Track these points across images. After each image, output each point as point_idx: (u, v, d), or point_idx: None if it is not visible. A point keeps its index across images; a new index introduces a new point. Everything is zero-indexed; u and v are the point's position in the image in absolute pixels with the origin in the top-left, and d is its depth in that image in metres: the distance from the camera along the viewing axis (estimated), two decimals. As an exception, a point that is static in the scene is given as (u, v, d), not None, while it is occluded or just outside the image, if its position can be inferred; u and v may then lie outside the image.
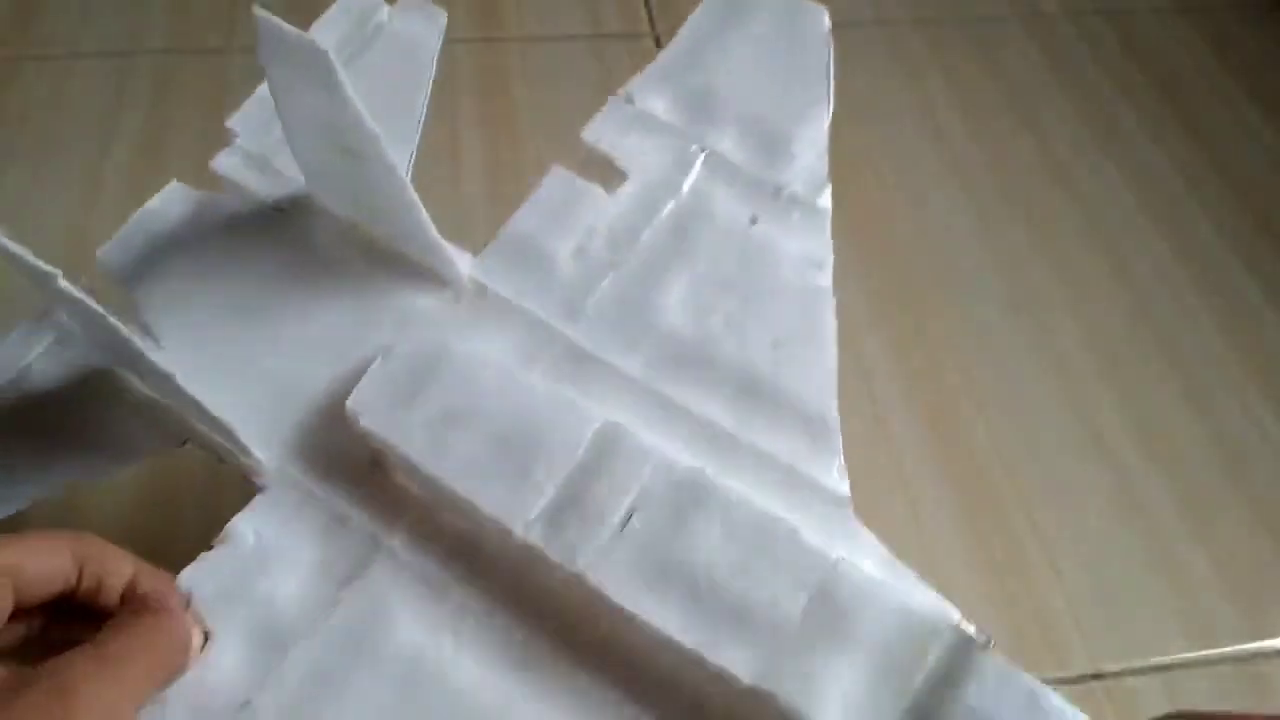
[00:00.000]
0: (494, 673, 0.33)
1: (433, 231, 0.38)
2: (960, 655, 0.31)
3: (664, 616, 0.32)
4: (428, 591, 0.34)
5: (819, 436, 0.36)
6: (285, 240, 0.40)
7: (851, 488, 0.36)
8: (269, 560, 0.34)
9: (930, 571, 0.34)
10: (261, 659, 0.33)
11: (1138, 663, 0.52)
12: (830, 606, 0.32)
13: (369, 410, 0.35)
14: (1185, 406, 0.64)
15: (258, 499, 0.35)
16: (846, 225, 0.41)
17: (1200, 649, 0.54)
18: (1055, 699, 0.30)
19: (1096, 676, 0.40)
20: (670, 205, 0.41)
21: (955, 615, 0.32)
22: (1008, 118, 0.80)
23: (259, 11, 0.33)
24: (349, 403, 0.35)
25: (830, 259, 0.39)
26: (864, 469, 0.37)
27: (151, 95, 0.76)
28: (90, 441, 0.37)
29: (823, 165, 0.41)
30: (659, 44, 0.80)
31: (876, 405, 0.61)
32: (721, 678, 0.31)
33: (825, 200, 0.41)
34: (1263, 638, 0.55)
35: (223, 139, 0.74)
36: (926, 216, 0.72)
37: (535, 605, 0.33)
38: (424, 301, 0.39)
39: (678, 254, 0.39)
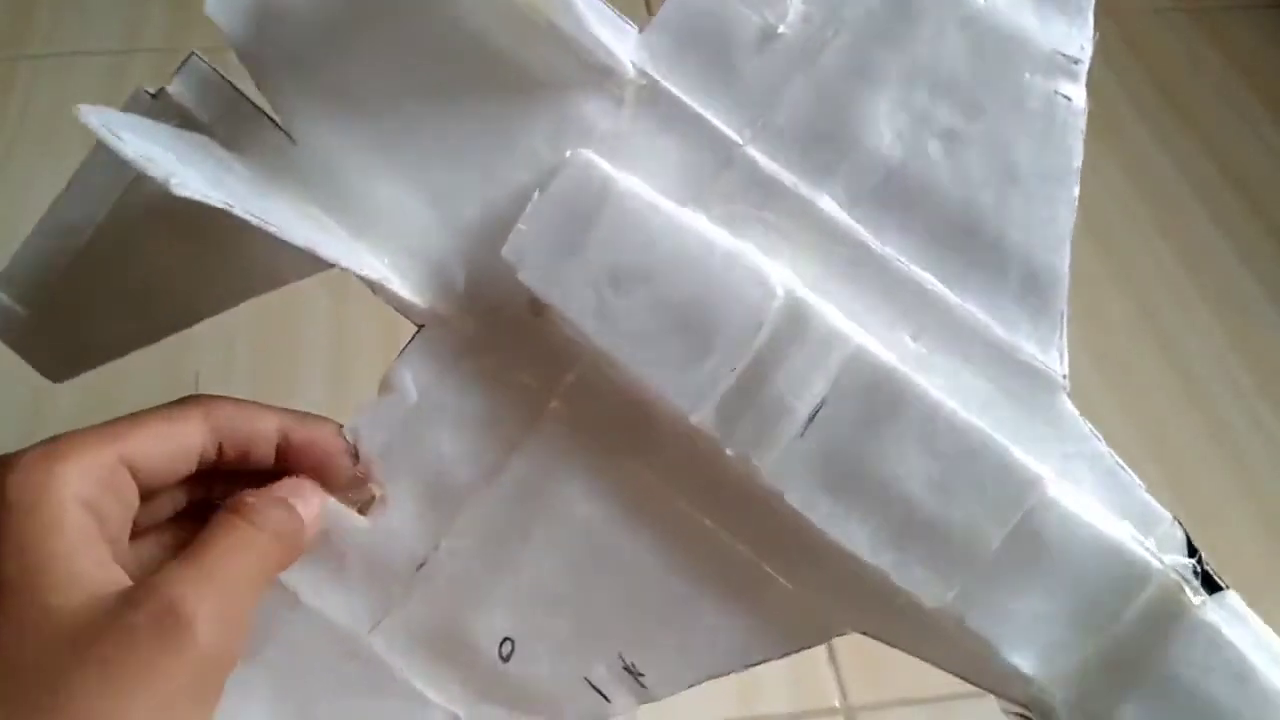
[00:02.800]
0: (665, 553, 0.32)
1: (590, 24, 0.31)
2: (1168, 609, 0.29)
3: (848, 529, 0.30)
4: (597, 459, 0.32)
5: (1042, 303, 0.31)
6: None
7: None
8: (433, 412, 0.33)
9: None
10: (433, 517, 0.33)
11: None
12: (1032, 539, 0.29)
13: (528, 262, 0.31)
14: (1186, 406, 0.63)
15: (416, 340, 0.33)
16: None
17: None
18: (1272, 680, 0.28)
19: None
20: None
21: (1176, 532, 0.30)
22: None
23: None
24: (505, 251, 0.31)
25: (1088, 55, 0.31)
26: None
27: (151, 95, 0.73)
28: (228, 263, 0.35)
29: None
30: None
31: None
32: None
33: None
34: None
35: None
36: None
37: (710, 486, 0.32)
38: (582, 102, 0.32)
39: (890, 37, 0.31)
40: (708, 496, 0.32)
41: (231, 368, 0.61)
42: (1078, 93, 0.31)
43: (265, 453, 0.32)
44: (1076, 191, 0.31)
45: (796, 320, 0.30)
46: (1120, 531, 0.29)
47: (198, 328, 0.35)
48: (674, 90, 0.32)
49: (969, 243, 0.31)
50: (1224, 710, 0.28)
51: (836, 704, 0.51)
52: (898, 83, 0.31)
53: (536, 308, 0.32)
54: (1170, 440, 0.62)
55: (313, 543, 0.31)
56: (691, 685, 0.32)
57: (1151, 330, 0.67)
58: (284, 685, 0.33)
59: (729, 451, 0.30)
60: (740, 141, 0.32)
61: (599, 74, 0.32)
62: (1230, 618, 0.29)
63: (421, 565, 0.33)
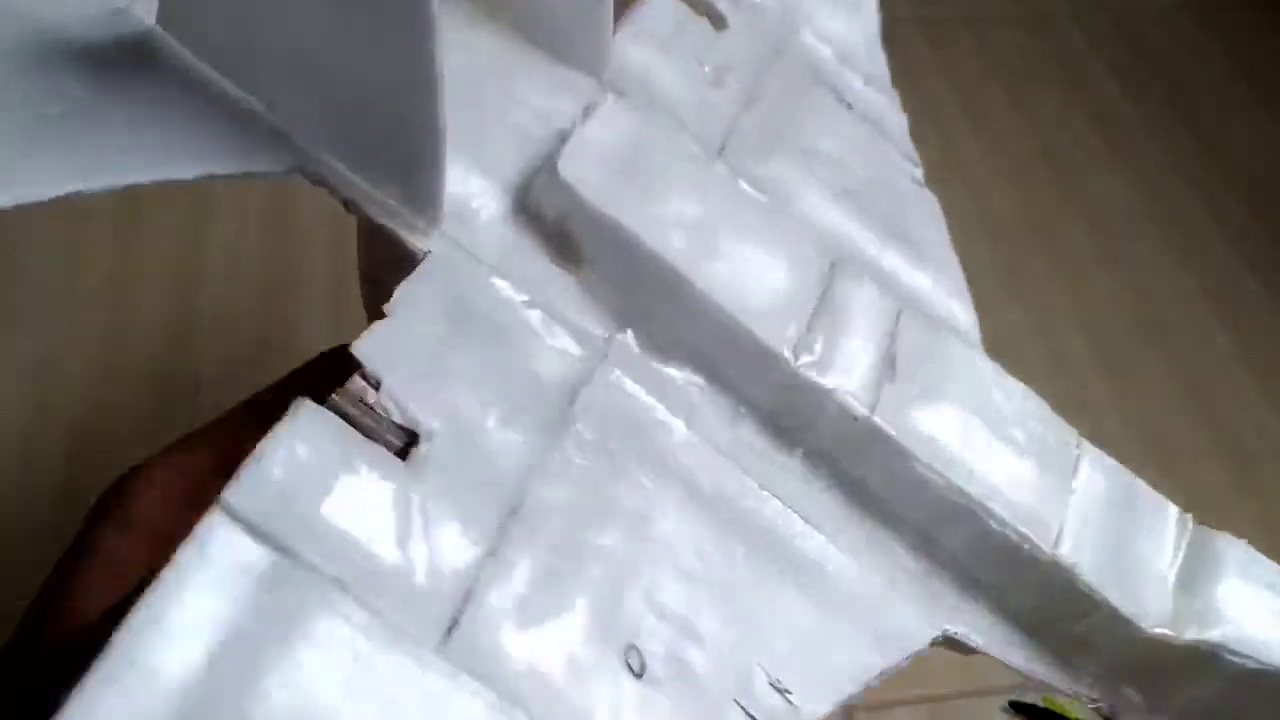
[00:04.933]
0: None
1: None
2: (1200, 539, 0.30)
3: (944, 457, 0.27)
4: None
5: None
6: None
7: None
8: (458, 346, 0.24)
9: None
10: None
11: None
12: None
13: (585, 180, 0.26)
14: (1187, 407, 0.64)
15: (422, 269, 0.25)
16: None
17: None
18: None
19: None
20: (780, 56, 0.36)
21: None
22: (1010, 117, 0.78)
23: None
24: (561, 166, 0.26)
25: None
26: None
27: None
28: (145, 137, 0.23)
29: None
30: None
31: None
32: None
33: (897, 104, 0.39)
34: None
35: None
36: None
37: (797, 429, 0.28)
38: (575, 79, 0.30)
39: (797, 109, 0.35)
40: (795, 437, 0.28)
41: (233, 368, 0.55)
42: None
43: None
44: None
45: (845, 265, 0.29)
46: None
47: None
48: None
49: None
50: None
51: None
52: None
53: (569, 248, 0.27)
54: (1171, 441, 0.61)
55: None
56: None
57: (1153, 330, 0.65)
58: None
59: (824, 384, 0.27)
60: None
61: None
62: None
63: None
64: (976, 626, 0.28)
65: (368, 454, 0.21)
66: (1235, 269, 0.71)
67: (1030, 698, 0.53)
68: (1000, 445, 0.28)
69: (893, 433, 0.27)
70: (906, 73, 0.76)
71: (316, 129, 0.25)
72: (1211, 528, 0.29)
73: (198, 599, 0.17)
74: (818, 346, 0.27)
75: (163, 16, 0.25)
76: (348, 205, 0.25)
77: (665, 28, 0.34)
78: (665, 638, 0.23)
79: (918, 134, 0.38)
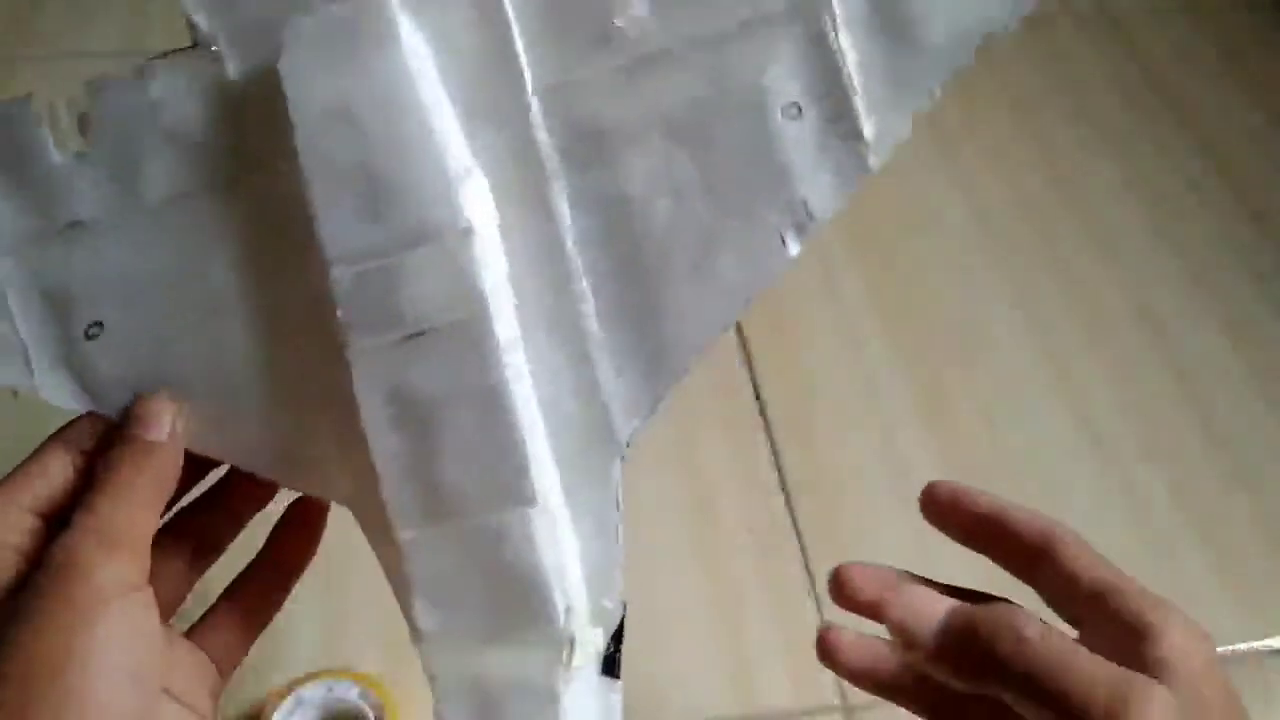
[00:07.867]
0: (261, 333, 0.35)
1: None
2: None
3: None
4: (252, 251, 0.35)
5: (652, 384, 0.33)
6: None
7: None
8: (163, 118, 0.34)
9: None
10: (112, 195, 0.35)
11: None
12: (494, 535, 0.32)
13: (291, 57, 0.33)
14: (1187, 408, 0.64)
15: (185, 54, 0.34)
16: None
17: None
18: None
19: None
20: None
21: (617, 614, 0.33)
22: (1008, 119, 0.79)
23: None
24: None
25: (825, 220, 0.33)
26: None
27: (151, 95, 0.75)
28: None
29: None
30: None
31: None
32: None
33: None
34: (1263, 638, 0.55)
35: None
36: (925, 213, 0.72)
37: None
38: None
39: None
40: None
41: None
42: (795, 246, 0.33)
43: None
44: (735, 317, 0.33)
45: (455, 253, 0.32)
46: (563, 573, 0.32)
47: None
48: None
49: (637, 303, 0.33)
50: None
51: (835, 702, 0.51)
52: (663, 137, 0.33)
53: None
54: (1170, 442, 0.64)
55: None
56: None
57: (1153, 334, 0.68)
58: None
59: (341, 315, 0.33)
60: (528, 90, 0.33)
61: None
62: (585, 693, 0.32)
63: (74, 225, 0.35)
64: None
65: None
66: (1232, 269, 0.72)
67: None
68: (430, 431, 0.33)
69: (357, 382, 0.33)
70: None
71: None
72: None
73: None
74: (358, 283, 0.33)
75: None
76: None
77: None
78: (120, 328, 0.35)
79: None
